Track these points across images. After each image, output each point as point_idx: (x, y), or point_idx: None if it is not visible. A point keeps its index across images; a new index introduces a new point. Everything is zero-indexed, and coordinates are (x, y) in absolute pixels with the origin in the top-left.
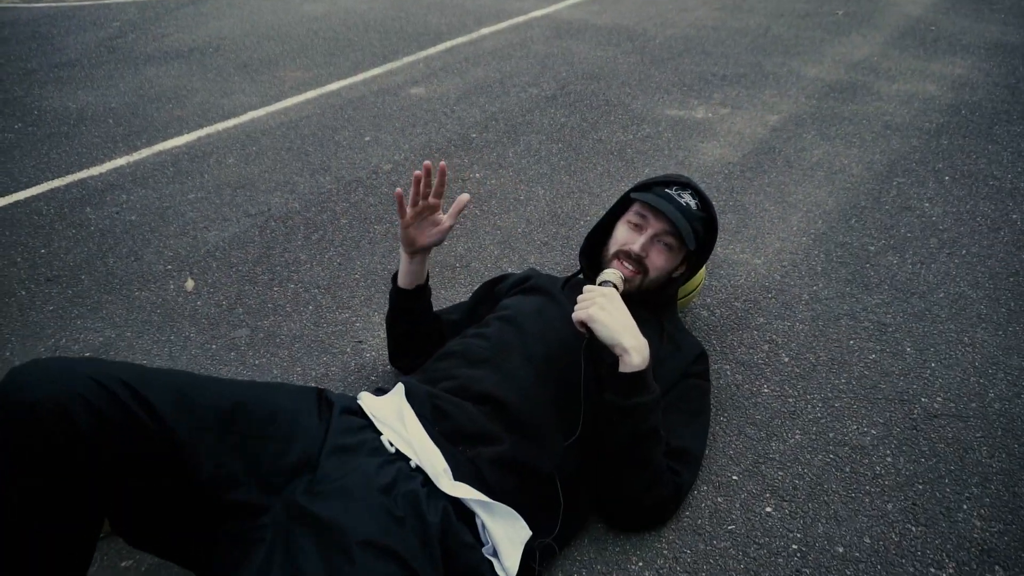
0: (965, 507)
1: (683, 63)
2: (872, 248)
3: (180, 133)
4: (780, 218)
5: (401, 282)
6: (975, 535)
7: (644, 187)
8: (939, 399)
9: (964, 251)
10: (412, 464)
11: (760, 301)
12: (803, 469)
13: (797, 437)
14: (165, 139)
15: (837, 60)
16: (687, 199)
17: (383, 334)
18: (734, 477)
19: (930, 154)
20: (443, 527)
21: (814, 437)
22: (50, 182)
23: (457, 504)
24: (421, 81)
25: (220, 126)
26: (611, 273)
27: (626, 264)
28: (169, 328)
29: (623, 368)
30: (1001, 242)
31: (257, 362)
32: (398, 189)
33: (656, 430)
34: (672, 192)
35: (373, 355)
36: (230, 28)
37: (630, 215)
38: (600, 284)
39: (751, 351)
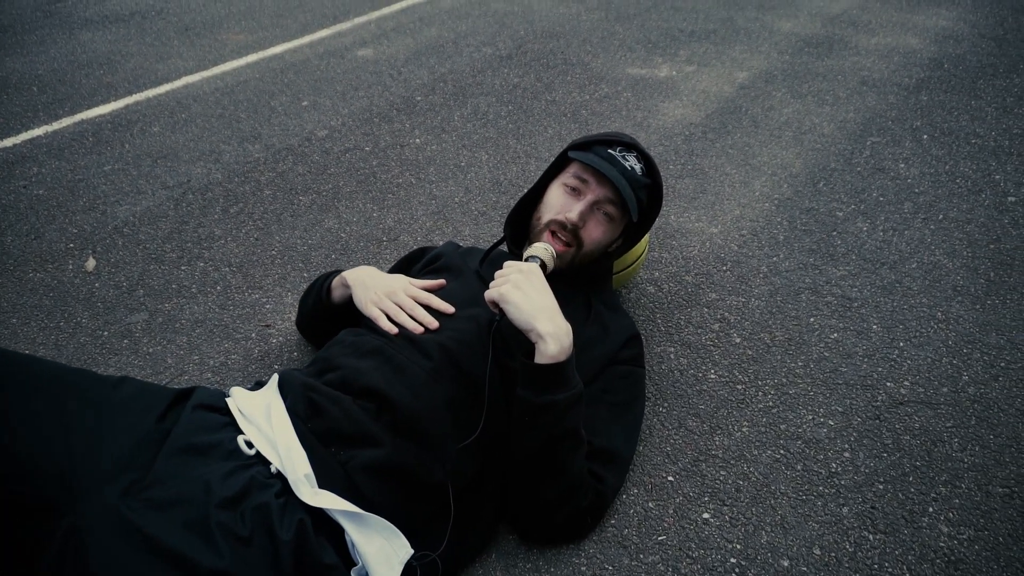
0: (931, 510)
1: (650, 19)
2: (840, 214)
3: (107, 101)
4: (742, 182)
5: (336, 296)
6: (941, 543)
7: (583, 145)
8: (906, 383)
9: (941, 216)
10: (272, 469)
11: (713, 274)
12: (748, 468)
13: (744, 430)
14: (90, 107)
15: (814, 13)
16: (632, 162)
17: (293, 315)
18: (670, 478)
19: (908, 111)
20: (296, 545)
21: (763, 430)
22: None
23: (321, 517)
24: (370, 42)
25: (151, 93)
26: (540, 248)
27: (560, 236)
28: (60, 313)
29: (538, 358)
30: (982, 205)
31: (151, 350)
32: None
33: (575, 431)
34: (615, 153)
35: (280, 340)
36: None
37: (567, 177)
38: (525, 260)
39: (699, 331)
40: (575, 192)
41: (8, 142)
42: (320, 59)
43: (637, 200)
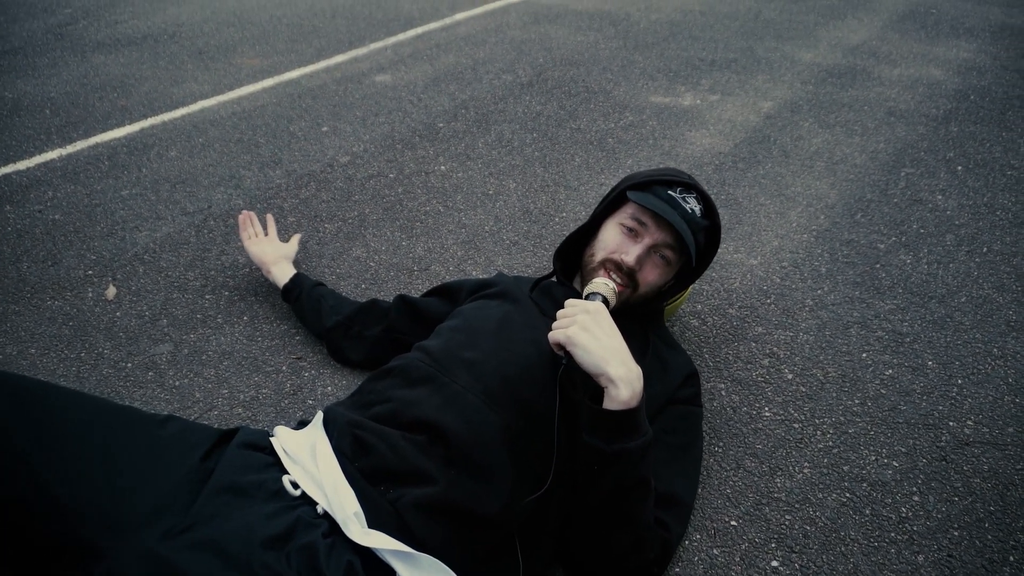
0: (1012, 559)
1: (669, 48)
2: (882, 246)
3: (121, 124)
4: (778, 213)
5: (284, 290)
6: None
7: (642, 185)
8: (970, 423)
9: (985, 248)
10: (318, 509)
11: (758, 308)
12: (814, 512)
13: (806, 471)
14: (104, 131)
15: (833, 44)
16: (692, 204)
17: (324, 347)
18: (733, 523)
19: (939, 142)
20: None
21: (826, 471)
22: None
23: (370, 558)
24: (388, 68)
25: (166, 116)
26: (601, 284)
27: (614, 276)
28: (80, 343)
29: (608, 404)
30: None
31: (177, 383)
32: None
33: (646, 481)
34: (676, 195)
35: (312, 373)
36: (189, 14)
37: (623, 217)
38: (587, 297)
39: (749, 367)
40: (632, 234)
41: (22, 165)
42: (337, 84)
43: (696, 243)
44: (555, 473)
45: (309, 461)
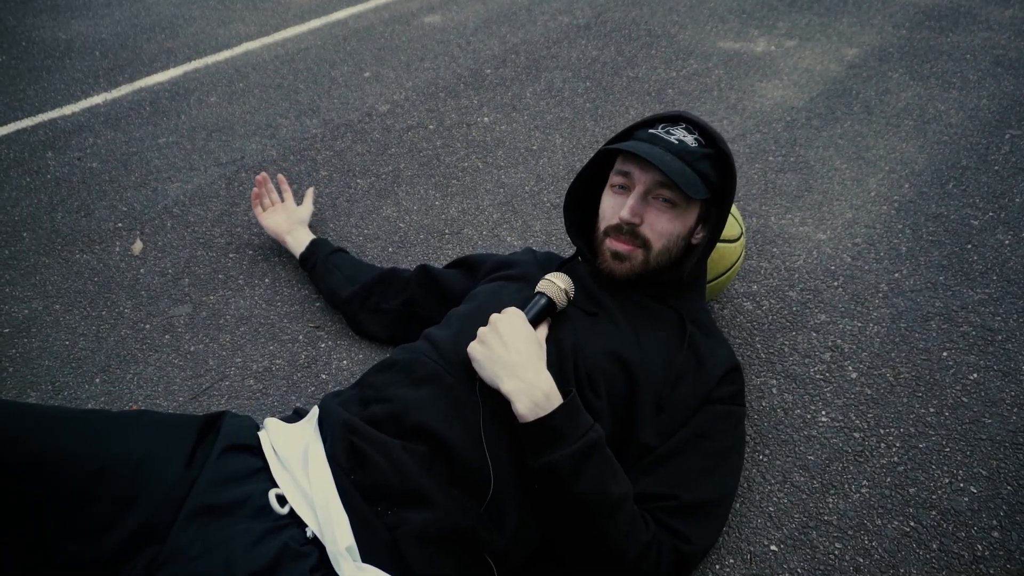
0: None
1: None
2: (976, 223)
3: (166, 67)
4: (855, 180)
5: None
6: None
7: (623, 135)
8: None
9: None
10: (308, 533)
11: (823, 291)
12: (870, 542)
13: (864, 491)
14: (149, 74)
15: None
16: (680, 134)
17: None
18: (772, 547)
19: None
20: None
21: (887, 493)
22: (19, 122)
23: None
24: (438, 8)
25: (210, 59)
26: (545, 284)
27: (620, 241)
28: (103, 301)
29: (519, 419)
30: None
31: (192, 348)
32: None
33: (599, 494)
34: (658, 132)
35: (329, 344)
36: None
37: (612, 176)
38: (535, 295)
39: (807, 361)
40: (623, 190)
41: (68, 110)
42: (385, 25)
43: (698, 174)
44: (495, 484)
45: (300, 471)
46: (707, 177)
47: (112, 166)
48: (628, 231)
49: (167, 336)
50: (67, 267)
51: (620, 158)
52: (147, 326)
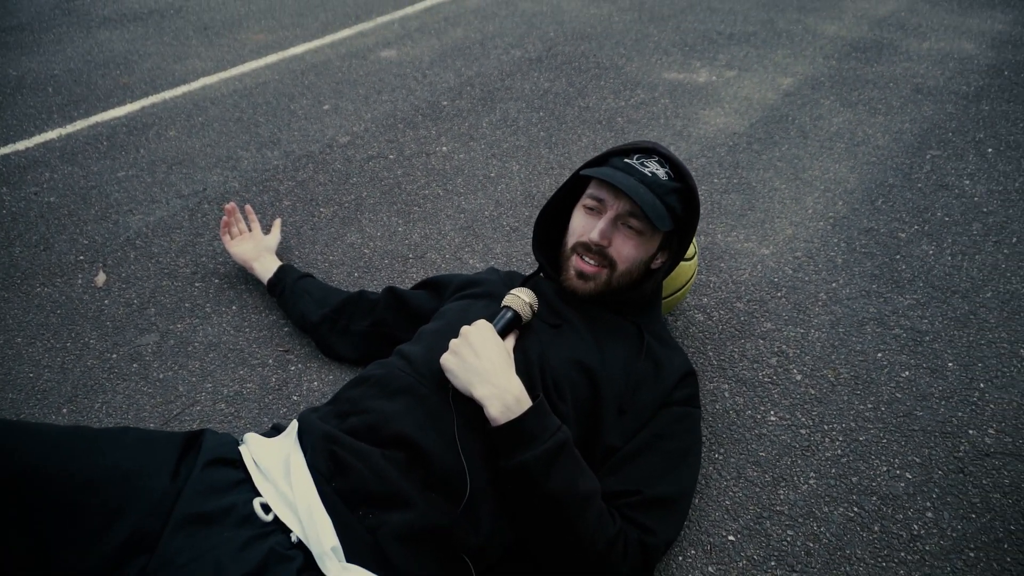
0: None
1: (685, 21)
2: (903, 235)
3: (123, 103)
4: (793, 198)
5: (268, 285)
6: None
7: (599, 160)
8: (991, 431)
9: (1015, 239)
10: (292, 538)
11: (768, 301)
12: (819, 527)
13: (811, 483)
14: (105, 109)
15: (859, 16)
16: (653, 167)
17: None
18: (730, 538)
19: (969, 122)
20: None
21: (833, 483)
22: None
23: None
24: (394, 43)
25: (167, 94)
26: (511, 298)
27: (587, 259)
28: (67, 332)
29: (491, 423)
30: None
31: (161, 376)
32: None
33: (568, 491)
34: (633, 162)
35: (299, 367)
36: None
37: (585, 198)
38: (502, 309)
39: (755, 366)
40: (593, 212)
41: (21, 145)
42: (342, 60)
43: (667, 207)
44: (471, 485)
45: (282, 479)
46: (674, 210)
47: (70, 200)
48: (597, 251)
49: (135, 365)
50: (27, 300)
51: (595, 183)
52: (113, 356)
